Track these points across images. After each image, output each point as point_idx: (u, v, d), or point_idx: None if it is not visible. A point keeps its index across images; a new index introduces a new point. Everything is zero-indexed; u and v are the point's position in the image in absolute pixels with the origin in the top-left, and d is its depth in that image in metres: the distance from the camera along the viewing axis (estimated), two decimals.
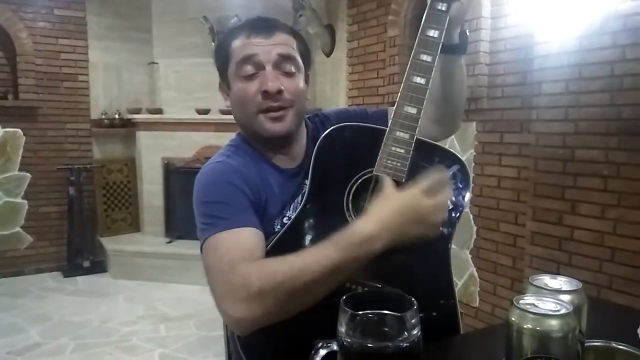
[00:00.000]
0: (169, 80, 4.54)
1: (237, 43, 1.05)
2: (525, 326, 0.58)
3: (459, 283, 3.08)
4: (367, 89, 3.91)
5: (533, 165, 2.52)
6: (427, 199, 0.88)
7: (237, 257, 0.89)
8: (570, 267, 2.32)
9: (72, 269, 4.38)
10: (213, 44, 4.14)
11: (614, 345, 0.68)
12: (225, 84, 1.11)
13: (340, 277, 0.87)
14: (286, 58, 1.04)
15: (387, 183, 0.91)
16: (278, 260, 0.88)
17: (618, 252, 2.17)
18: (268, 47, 1.03)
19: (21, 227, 4.37)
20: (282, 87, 1.03)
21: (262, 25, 1.06)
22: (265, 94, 1.02)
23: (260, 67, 1.03)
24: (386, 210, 0.88)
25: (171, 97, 4.53)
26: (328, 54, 4.37)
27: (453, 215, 0.98)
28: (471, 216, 3.00)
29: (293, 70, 1.05)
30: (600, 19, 2.19)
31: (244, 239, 0.93)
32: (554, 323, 0.57)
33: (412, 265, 0.96)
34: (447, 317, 0.98)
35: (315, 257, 0.85)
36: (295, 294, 0.85)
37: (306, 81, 1.11)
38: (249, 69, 1.03)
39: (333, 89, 4.37)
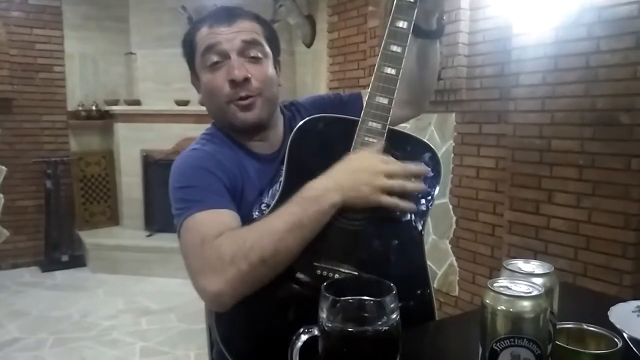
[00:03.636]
0: (147, 71, 4.48)
1: (200, 34, 1.05)
2: (499, 308, 0.59)
3: (439, 272, 3.13)
4: (348, 80, 3.91)
5: (510, 155, 2.56)
6: (381, 164, 0.92)
7: (209, 234, 0.91)
8: (546, 255, 2.36)
9: (50, 264, 4.32)
10: None
11: (585, 326, 0.70)
12: (195, 77, 1.11)
13: (307, 232, 0.90)
14: (251, 43, 1.03)
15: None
16: (245, 228, 0.91)
17: (593, 240, 2.21)
18: (231, 35, 1.02)
19: None
20: (249, 75, 1.02)
21: (224, 14, 1.05)
22: (233, 83, 1.02)
23: (225, 55, 1.02)
24: (341, 168, 0.93)
25: (149, 88, 4.48)
26: (308, 45, 4.37)
27: (425, 202, 0.99)
28: (450, 206, 3.04)
29: (259, 55, 1.04)
30: (575, 11, 2.23)
31: (218, 217, 0.94)
32: (526, 304, 0.59)
33: (387, 253, 0.97)
34: (423, 305, 0.99)
35: (279, 217, 0.90)
36: (267, 256, 0.87)
37: (277, 67, 1.11)
38: (214, 57, 1.03)
39: (314, 79, 4.37)
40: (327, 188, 0.90)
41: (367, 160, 0.93)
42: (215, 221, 0.93)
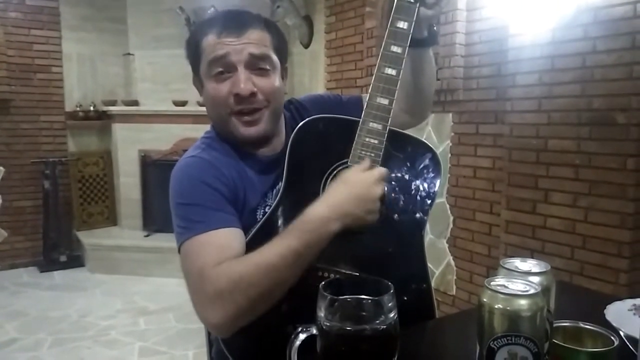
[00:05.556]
0: (145, 71, 4.49)
1: (207, 41, 1.01)
2: (496, 306, 0.59)
3: (436, 272, 3.14)
4: (345, 80, 3.92)
5: (507, 155, 2.57)
6: (380, 189, 0.91)
7: (207, 263, 0.90)
8: (543, 255, 2.37)
9: (48, 264, 4.32)
10: None
11: (581, 325, 0.70)
12: (198, 80, 1.08)
13: (305, 263, 0.89)
14: (259, 57, 1.00)
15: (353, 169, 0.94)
16: (243, 261, 0.90)
17: (589, 239, 2.22)
18: (239, 47, 0.99)
19: None
20: (255, 89, 1.00)
21: (234, 23, 1.01)
22: (238, 97, 0.99)
23: (232, 67, 0.99)
24: (340, 194, 0.91)
25: (147, 88, 4.49)
26: (306, 46, 4.37)
27: (426, 202, 1.00)
28: (448, 206, 3.05)
29: (267, 68, 1.01)
30: (572, 12, 2.24)
31: (216, 241, 0.93)
32: (523, 303, 0.59)
33: (388, 253, 0.98)
34: (423, 303, 1.00)
35: (277, 251, 0.87)
36: (265, 291, 0.87)
37: (283, 75, 1.08)
38: (220, 69, 1.00)
39: (311, 80, 4.37)
40: (328, 217, 0.88)
41: (366, 185, 0.90)
42: (214, 246, 0.92)
